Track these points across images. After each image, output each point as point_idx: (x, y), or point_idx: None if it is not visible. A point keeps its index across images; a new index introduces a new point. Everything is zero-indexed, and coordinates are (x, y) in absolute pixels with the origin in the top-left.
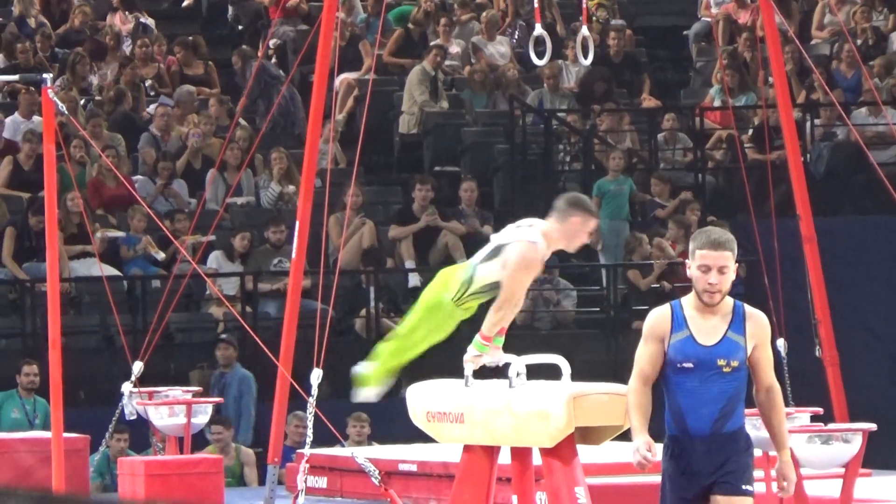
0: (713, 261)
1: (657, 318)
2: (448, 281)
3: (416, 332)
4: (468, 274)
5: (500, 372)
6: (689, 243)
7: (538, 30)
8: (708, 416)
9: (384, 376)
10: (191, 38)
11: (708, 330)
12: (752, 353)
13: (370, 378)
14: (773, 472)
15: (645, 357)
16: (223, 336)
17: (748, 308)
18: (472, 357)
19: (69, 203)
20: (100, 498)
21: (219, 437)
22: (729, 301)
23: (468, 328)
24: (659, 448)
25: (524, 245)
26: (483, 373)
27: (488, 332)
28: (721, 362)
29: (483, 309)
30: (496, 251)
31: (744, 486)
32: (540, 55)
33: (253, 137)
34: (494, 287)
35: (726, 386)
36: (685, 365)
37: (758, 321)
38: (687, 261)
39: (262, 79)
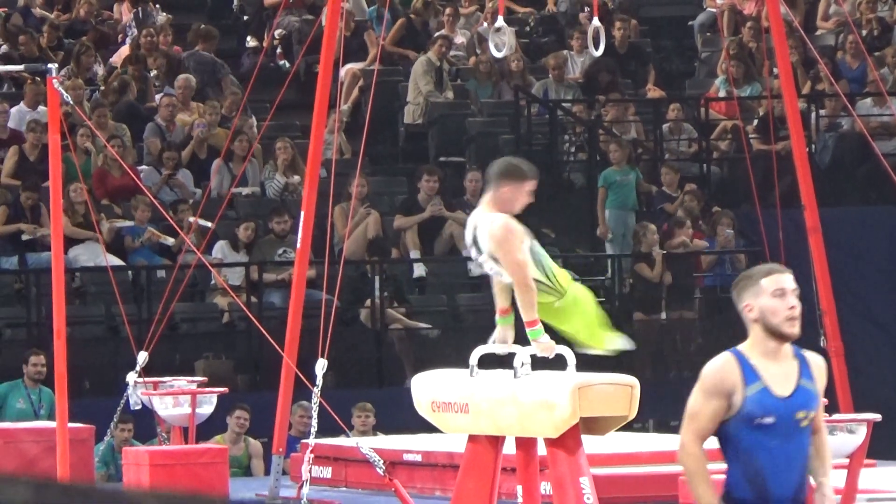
0: (787, 283)
1: (723, 370)
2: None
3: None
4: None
5: (505, 362)
6: (742, 286)
7: (499, 21)
8: (792, 481)
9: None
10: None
11: (781, 378)
12: None
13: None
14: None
15: (707, 415)
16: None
17: (806, 351)
18: (542, 346)
19: (73, 193)
20: (102, 486)
21: (243, 422)
22: (788, 345)
23: (472, 317)
24: None
25: (493, 228)
26: (488, 363)
27: (532, 315)
28: (800, 415)
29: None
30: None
31: None
32: (498, 47)
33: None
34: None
35: (806, 442)
36: (766, 420)
37: (820, 365)
38: (746, 304)
39: (205, 66)
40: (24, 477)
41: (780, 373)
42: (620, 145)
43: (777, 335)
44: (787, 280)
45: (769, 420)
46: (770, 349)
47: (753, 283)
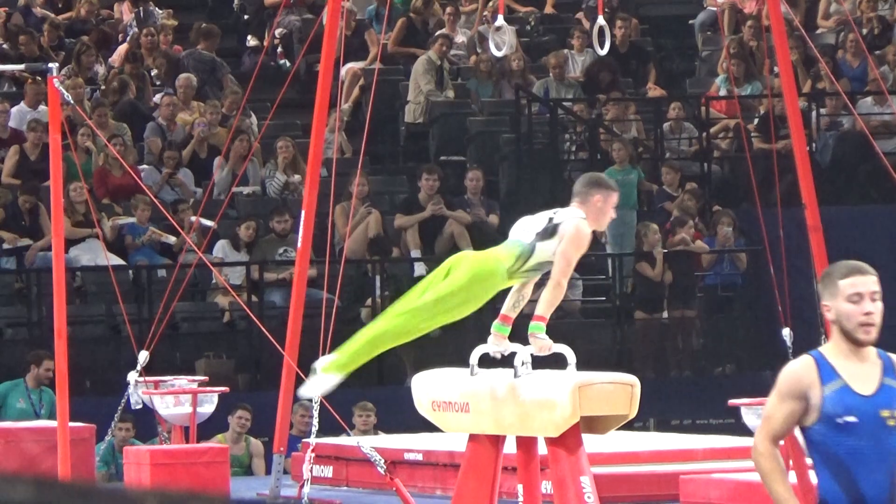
0: (865, 286)
1: (799, 371)
2: (490, 257)
3: (450, 299)
4: (525, 249)
5: (505, 361)
6: (823, 284)
7: (499, 20)
8: (883, 482)
9: (354, 363)
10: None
11: (862, 377)
12: None
13: (338, 365)
14: None
15: (781, 417)
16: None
17: (892, 354)
18: (541, 344)
19: (73, 193)
20: (103, 485)
21: (245, 422)
22: (871, 348)
23: (473, 317)
24: None
25: (579, 221)
26: (488, 362)
27: (546, 313)
28: (885, 413)
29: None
30: (550, 230)
31: None
32: (498, 46)
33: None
34: (548, 266)
35: (894, 443)
36: (847, 419)
37: None
38: (824, 304)
39: (205, 65)
40: (25, 476)
41: (861, 372)
42: (623, 144)
43: (851, 340)
44: (865, 283)
45: (851, 419)
46: (850, 350)
47: (832, 283)
